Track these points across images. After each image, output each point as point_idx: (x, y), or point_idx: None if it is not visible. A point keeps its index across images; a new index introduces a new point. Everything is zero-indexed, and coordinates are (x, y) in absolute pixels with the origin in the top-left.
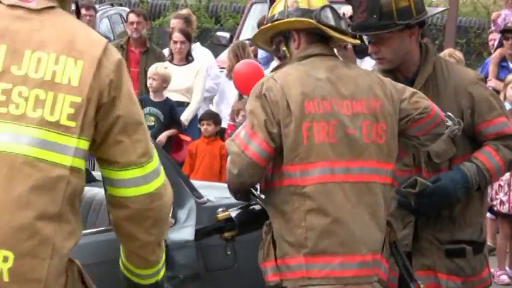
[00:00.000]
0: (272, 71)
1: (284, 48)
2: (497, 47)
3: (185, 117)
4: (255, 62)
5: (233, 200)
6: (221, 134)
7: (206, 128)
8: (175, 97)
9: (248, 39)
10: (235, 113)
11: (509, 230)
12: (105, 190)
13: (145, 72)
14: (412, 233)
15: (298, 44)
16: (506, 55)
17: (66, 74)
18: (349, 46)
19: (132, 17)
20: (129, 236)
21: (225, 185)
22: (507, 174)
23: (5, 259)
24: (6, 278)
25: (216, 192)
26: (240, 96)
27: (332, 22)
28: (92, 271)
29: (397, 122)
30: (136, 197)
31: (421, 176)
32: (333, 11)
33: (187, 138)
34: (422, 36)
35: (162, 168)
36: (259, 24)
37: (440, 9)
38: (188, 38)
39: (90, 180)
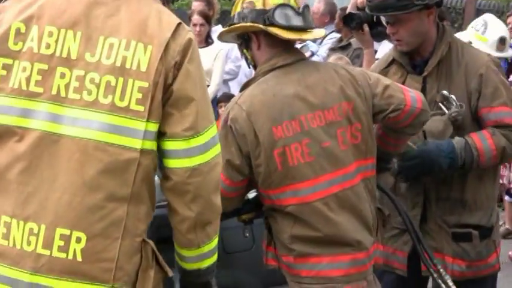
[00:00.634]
0: (240, 90)
1: (244, 50)
2: None
3: None
4: None
5: None
6: None
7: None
8: None
9: None
10: None
11: None
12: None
13: None
14: (419, 214)
15: (258, 45)
16: None
17: (135, 59)
18: (366, 29)
19: None
20: (171, 208)
21: None
22: None
23: (78, 240)
24: (79, 258)
25: None
26: None
27: (284, 22)
28: None
29: (371, 117)
30: (177, 169)
31: None
32: (289, 8)
33: None
34: (442, 19)
35: (215, 148)
36: None
37: None
38: (208, 21)
39: None
